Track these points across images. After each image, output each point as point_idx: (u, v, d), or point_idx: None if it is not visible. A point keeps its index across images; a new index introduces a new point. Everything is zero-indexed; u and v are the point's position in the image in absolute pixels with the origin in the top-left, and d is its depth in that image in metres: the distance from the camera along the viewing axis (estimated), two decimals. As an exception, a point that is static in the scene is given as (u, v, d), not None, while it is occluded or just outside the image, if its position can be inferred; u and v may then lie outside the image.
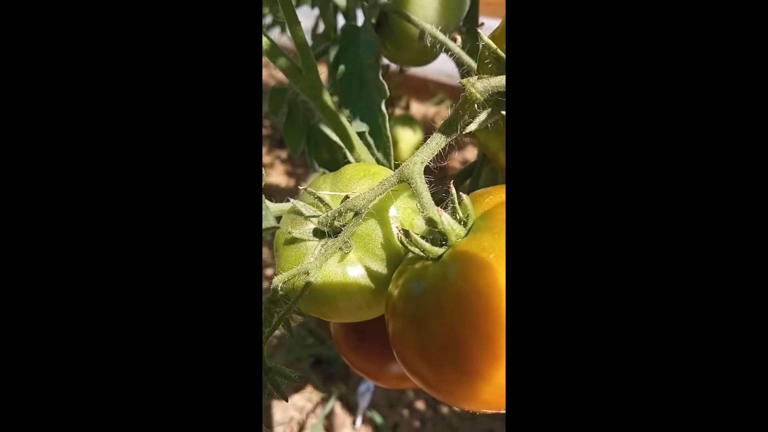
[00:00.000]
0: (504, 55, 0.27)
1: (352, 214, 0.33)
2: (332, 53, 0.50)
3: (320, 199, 0.36)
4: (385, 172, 0.37)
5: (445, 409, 1.08)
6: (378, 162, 0.48)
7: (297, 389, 1.12)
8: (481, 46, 0.28)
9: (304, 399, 1.11)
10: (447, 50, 0.41)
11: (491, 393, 0.24)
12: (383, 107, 0.44)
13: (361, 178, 0.37)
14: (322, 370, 1.15)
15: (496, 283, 0.23)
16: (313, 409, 1.10)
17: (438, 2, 0.42)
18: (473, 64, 0.39)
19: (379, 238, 0.35)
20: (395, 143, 0.92)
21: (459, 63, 0.41)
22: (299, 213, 0.36)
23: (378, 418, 1.06)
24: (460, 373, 0.24)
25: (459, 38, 0.45)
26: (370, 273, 0.35)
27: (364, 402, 1.09)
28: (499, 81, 0.25)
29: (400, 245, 0.30)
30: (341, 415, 1.09)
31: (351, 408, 1.11)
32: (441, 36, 0.40)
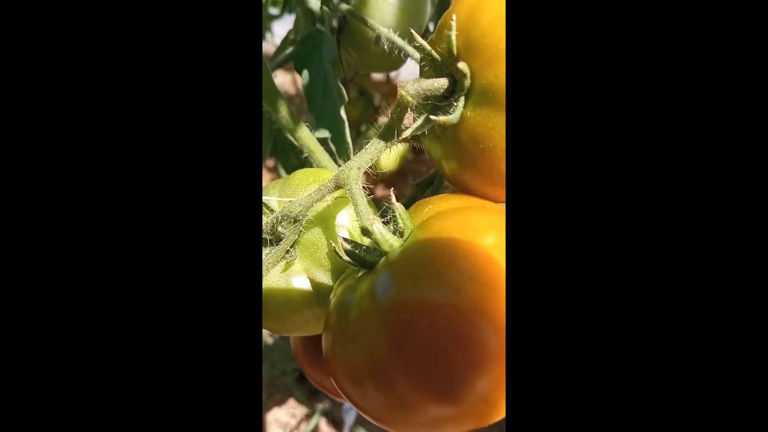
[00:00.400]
0: (438, 57, 0.25)
1: (292, 221, 0.31)
2: (296, 57, 0.49)
3: (266, 206, 0.35)
4: None
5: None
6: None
7: (280, 404, 1.10)
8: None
9: (288, 415, 1.09)
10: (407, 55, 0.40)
11: (418, 417, 0.22)
12: (342, 113, 0.43)
13: (310, 183, 0.35)
14: (306, 384, 1.12)
15: (418, 299, 0.22)
16: (297, 426, 1.07)
17: (397, 7, 0.41)
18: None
19: (325, 247, 0.33)
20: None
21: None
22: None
23: (364, 434, 1.04)
24: (384, 396, 0.22)
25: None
26: (316, 284, 0.33)
27: (350, 418, 1.07)
28: (431, 84, 0.24)
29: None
30: None
31: (337, 423, 1.08)
32: (399, 40, 0.39)
